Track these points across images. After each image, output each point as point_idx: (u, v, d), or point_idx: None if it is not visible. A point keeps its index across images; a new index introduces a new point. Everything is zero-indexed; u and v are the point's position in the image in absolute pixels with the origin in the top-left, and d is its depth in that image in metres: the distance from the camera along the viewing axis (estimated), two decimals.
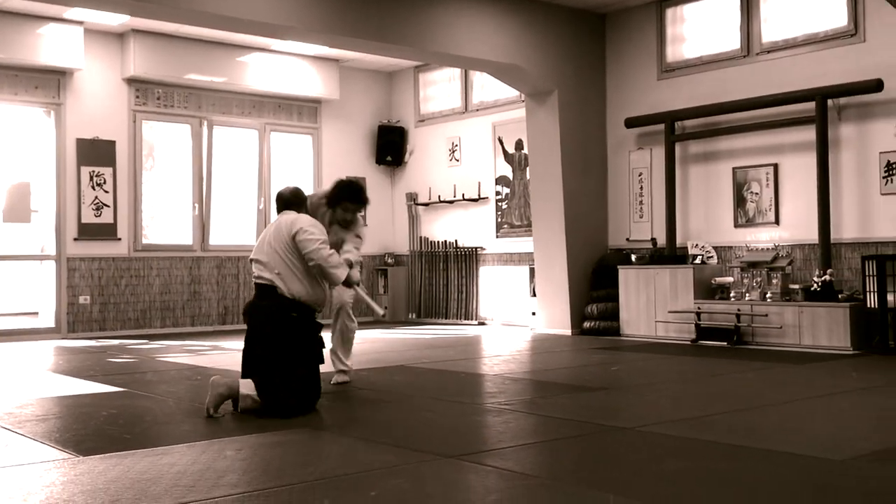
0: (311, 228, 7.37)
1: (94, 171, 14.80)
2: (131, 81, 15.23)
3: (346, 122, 17.74)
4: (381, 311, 8.40)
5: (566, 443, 5.97)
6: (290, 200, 7.78)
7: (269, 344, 7.15)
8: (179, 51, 15.26)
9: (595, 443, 5.93)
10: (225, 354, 11.67)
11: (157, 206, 15.79)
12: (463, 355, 11.26)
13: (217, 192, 16.15)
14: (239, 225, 16.35)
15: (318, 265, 7.30)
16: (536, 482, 4.91)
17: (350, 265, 7.76)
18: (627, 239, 14.23)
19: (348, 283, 7.70)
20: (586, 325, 13.85)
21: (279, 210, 7.77)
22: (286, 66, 16.42)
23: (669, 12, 13.85)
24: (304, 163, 17.32)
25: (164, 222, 15.88)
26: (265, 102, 16.67)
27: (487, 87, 16.39)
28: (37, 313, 15.05)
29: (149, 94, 15.42)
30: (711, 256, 12.95)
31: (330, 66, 16.98)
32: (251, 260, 7.57)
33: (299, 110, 17.12)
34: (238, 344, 11.20)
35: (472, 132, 16.77)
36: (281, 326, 7.16)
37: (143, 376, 9.62)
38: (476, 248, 16.52)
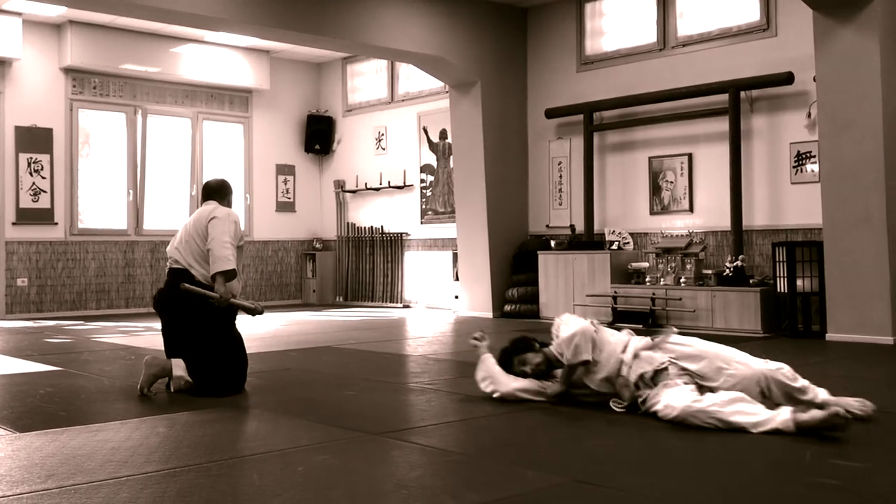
0: (226, 219, 7.19)
1: (31, 158, 14.60)
2: (68, 71, 15.04)
3: (276, 112, 17.59)
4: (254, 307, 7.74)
5: (488, 421, 5.88)
6: (214, 190, 7.61)
7: (192, 328, 7.02)
8: (115, 41, 15.04)
9: (516, 421, 5.82)
10: (158, 335, 11.48)
11: (93, 191, 15.52)
12: (388, 337, 11.17)
13: (151, 178, 15.94)
14: (172, 210, 16.11)
15: (210, 248, 7.06)
16: (459, 458, 4.85)
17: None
18: (547, 225, 14.20)
19: (229, 277, 7.20)
20: (507, 308, 13.82)
21: (203, 200, 7.61)
22: (218, 56, 16.23)
23: (588, 7, 13.78)
24: (235, 150, 17.14)
25: (100, 207, 15.60)
26: (198, 92, 16.49)
27: (413, 78, 16.28)
28: None
29: (85, 83, 15.22)
30: (628, 242, 12.95)
31: (261, 56, 16.82)
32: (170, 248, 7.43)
33: (231, 100, 16.94)
34: None
35: (397, 122, 16.68)
36: (201, 311, 7.04)
37: (78, 356, 9.49)
38: (401, 233, 16.44)
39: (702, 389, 5.61)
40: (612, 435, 5.37)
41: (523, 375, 6.34)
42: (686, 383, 5.64)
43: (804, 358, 9.05)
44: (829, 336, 10.30)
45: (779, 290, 10.96)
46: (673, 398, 5.53)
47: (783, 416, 5.20)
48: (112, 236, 15.48)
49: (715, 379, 5.60)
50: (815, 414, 5.17)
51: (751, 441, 5.08)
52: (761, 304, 10.98)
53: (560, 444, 5.22)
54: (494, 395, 6.39)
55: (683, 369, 5.70)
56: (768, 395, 5.54)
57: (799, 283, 10.80)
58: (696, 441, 5.14)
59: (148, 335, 11.60)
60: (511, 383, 6.35)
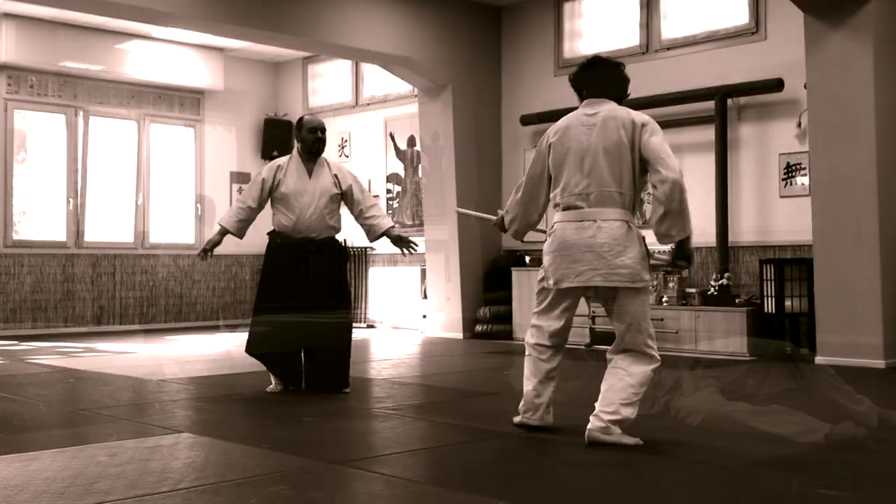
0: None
1: None
2: (3, 68, 14.92)
3: (230, 115, 17.61)
4: None
5: (455, 448, 6.00)
6: None
7: None
8: (55, 36, 14.98)
9: (484, 448, 5.96)
10: (99, 357, 11.55)
11: (29, 200, 15.53)
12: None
13: (93, 185, 15.95)
14: (116, 221, 16.20)
15: None
16: (424, 489, 4.92)
17: None
18: (522, 240, 14.23)
19: None
20: (478, 328, 13.90)
21: None
22: (168, 54, 16.24)
23: (567, 6, 13.96)
24: (185, 156, 17.16)
25: (37, 217, 15.57)
26: (145, 92, 16.46)
27: (379, 80, 16.38)
28: None
29: (21, 81, 15.17)
30: None
31: (214, 55, 16.85)
32: None
33: (181, 101, 16.98)
34: (114, 346, 11.16)
35: (362, 127, 16.75)
36: None
37: (11, 378, 9.46)
38: (365, 247, 16.48)
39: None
40: (582, 464, 5.50)
41: None
42: (708, 385, 5.83)
43: (792, 382, 9.20)
44: (819, 359, 10.46)
45: (766, 310, 11.14)
46: (697, 401, 5.71)
47: (815, 436, 5.37)
48: (50, 248, 15.38)
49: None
50: (845, 428, 5.34)
51: (736, 471, 5.20)
52: (747, 324, 11.14)
53: (529, 471, 5.33)
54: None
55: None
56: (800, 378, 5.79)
57: (787, 302, 10.98)
58: (675, 471, 5.26)
59: (88, 356, 11.63)
60: None
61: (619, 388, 5.83)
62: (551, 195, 6.22)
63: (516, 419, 6.42)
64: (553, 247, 6.05)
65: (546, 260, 6.13)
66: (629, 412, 5.79)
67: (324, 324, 8.26)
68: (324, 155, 8.71)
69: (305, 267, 8.33)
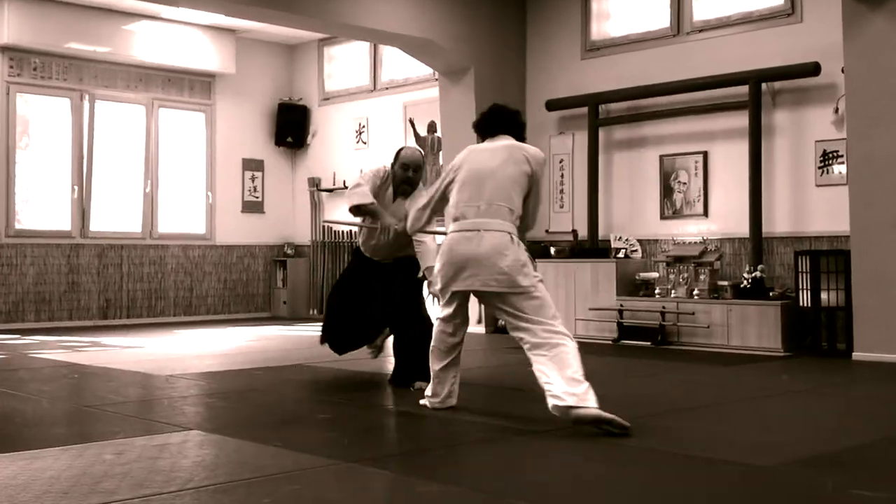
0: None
1: None
2: (5, 50, 14.96)
3: (242, 99, 17.66)
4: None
5: (474, 447, 6.04)
6: None
7: None
8: (59, 17, 15.01)
9: (503, 447, 5.99)
10: (105, 351, 11.60)
11: (32, 188, 15.57)
12: (367, 353, 11.27)
13: (99, 173, 16.00)
14: (123, 210, 16.26)
15: None
16: (441, 488, 4.93)
17: None
18: (547, 231, 14.25)
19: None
20: (501, 322, 13.80)
21: None
22: (177, 35, 16.29)
23: None
24: (196, 142, 17.22)
25: (40, 206, 15.61)
26: (153, 75, 16.52)
27: (398, 63, 16.40)
28: None
29: (24, 64, 15.19)
30: (636, 250, 13.04)
31: (226, 36, 16.89)
32: None
33: (191, 85, 17.02)
34: (121, 340, 11.20)
35: (381, 112, 16.75)
36: None
37: (14, 374, 9.52)
38: None
39: None
40: (610, 463, 5.52)
41: None
42: None
43: (828, 378, 9.22)
44: (856, 355, 10.48)
45: (801, 303, 11.12)
46: None
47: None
48: (54, 238, 15.44)
49: None
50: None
51: (769, 471, 5.20)
52: (782, 319, 11.13)
53: (554, 471, 5.35)
54: None
55: None
56: None
57: (823, 296, 10.97)
58: (705, 470, 5.27)
59: (94, 351, 11.67)
60: None
61: (561, 366, 6.39)
62: (448, 207, 7.05)
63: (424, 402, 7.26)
64: (444, 254, 6.88)
65: (437, 265, 7.00)
66: (585, 380, 6.31)
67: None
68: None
69: (373, 279, 8.59)
